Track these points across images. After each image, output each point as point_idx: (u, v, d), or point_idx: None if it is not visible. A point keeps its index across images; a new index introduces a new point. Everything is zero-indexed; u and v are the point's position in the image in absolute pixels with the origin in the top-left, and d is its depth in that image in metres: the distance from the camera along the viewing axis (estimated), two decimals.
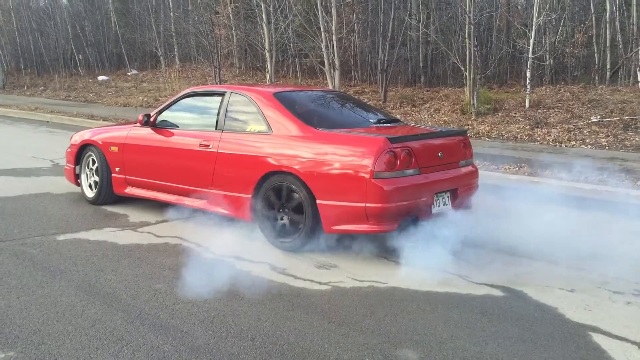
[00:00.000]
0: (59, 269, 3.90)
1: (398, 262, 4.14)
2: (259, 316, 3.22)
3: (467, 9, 12.39)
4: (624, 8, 15.84)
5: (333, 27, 13.81)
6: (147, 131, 5.36)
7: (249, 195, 4.53)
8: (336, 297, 3.53)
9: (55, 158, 8.34)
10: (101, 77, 23.39)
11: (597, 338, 3.02)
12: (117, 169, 5.57)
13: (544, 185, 6.68)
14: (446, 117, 12.34)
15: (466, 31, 12.75)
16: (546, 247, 4.33)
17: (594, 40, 15.84)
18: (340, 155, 4.14)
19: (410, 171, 4.14)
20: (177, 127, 5.24)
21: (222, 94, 5.04)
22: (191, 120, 5.29)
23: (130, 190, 5.53)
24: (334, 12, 13.79)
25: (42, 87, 22.84)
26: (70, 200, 5.89)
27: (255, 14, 16.35)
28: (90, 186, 5.84)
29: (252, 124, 4.72)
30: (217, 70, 15.91)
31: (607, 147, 9.39)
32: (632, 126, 10.51)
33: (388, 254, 4.31)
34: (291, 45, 17.17)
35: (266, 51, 15.65)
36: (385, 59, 14.60)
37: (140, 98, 17.93)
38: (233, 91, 5.00)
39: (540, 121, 11.28)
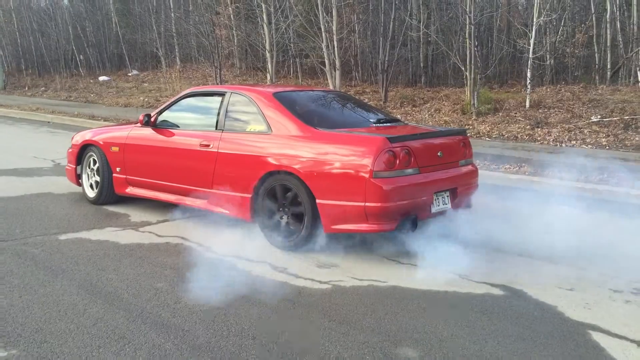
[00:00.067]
0: (60, 268, 3.92)
1: (398, 261, 4.16)
2: (260, 315, 3.23)
3: (467, 9, 12.40)
4: (625, 8, 15.84)
5: (334, 27, 13.81)
6: (148, 131, 5.38)
7: (249, 195, 4.55)
8: (336, 295, 3.54)
9: (56, 158, 8.35)
10: (102, 78, 23.39)
11: (596, 336, 3.03)
12: (118, 169, 5.59)
13: (544, 184, 6.69)
14: (447, 117, 12.35)
15: (467, 31, 12.75)
16: (546, 246, 4.34)
17: (594, 40, 15.84)
18: (340, 154, 4.15)
19: (410, 170, 4.15)
20: (178, 127, 5.25)
21: (222, 94, 5.05)
22: (192, 120, 5.31)
23: (131, 190, 5.55)
24: (334, 13, 13.79)
25: (43, 88, 22.85)
26: (71, 200, 5.91)
27: (256, 14, 16.35)
28: (91, 186, 5.86)
29: (253, 124, 4.73)
30: (218, 71, 15.93)
31: (607, 147, 9.40)
32: (633, 126, 10.51)
33: (388, 253, 4.32)
34: (292, 45, 17.18)
35: (267, 51, 15.66)
36: (386, 59, 14.61)
37: (141, 98, 17.94)
38: (233, 91, 5.01)
39: (540, 121, 11.29)
